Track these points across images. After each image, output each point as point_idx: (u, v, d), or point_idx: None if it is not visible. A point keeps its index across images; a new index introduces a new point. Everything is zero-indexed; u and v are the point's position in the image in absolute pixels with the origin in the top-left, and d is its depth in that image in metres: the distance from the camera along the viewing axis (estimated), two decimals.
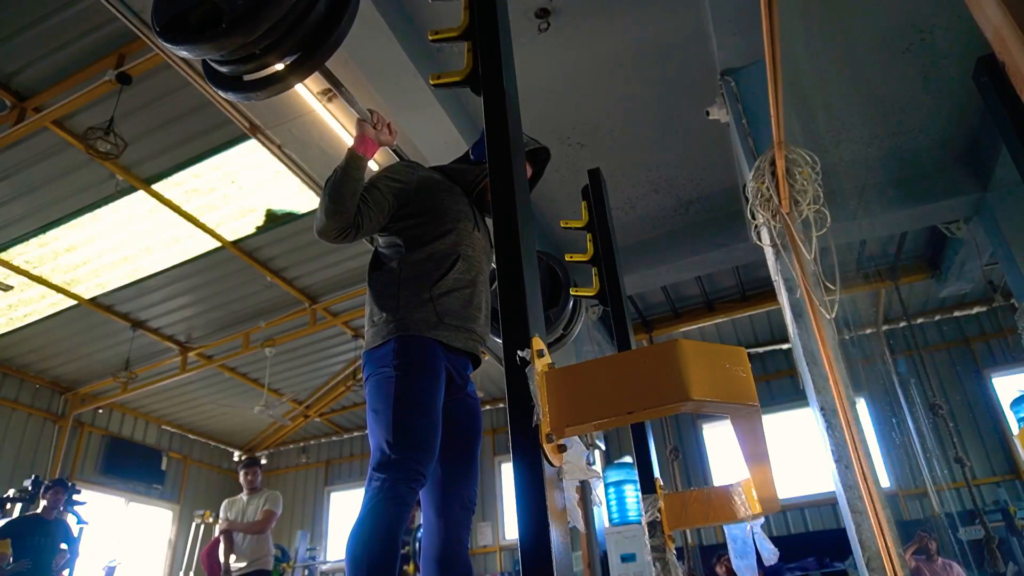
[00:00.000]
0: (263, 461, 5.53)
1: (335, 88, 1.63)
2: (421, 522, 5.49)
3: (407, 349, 1.69)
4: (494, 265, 1.85)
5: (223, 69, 1.41)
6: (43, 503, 5.26)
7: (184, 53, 1.30)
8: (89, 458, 9.02)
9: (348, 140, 4.47)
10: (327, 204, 1.69)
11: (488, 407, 9.97)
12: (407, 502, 1.57)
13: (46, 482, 5.54)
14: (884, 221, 5.25)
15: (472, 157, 2.07)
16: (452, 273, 1.79)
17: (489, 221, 2.05)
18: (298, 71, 1.40)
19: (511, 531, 9.36)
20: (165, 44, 1.29)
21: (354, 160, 1.73)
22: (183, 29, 1.29)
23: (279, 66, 1.40)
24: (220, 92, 1.47)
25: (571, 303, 2.54)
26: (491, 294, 2.02)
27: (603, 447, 7.16)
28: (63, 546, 5.21)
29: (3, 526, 5.14)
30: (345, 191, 1.69)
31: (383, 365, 1.70)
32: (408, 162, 1.99)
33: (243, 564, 5.00)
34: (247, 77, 1.42)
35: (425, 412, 1.66)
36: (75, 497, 5.73)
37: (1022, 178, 2.82)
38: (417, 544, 5.31)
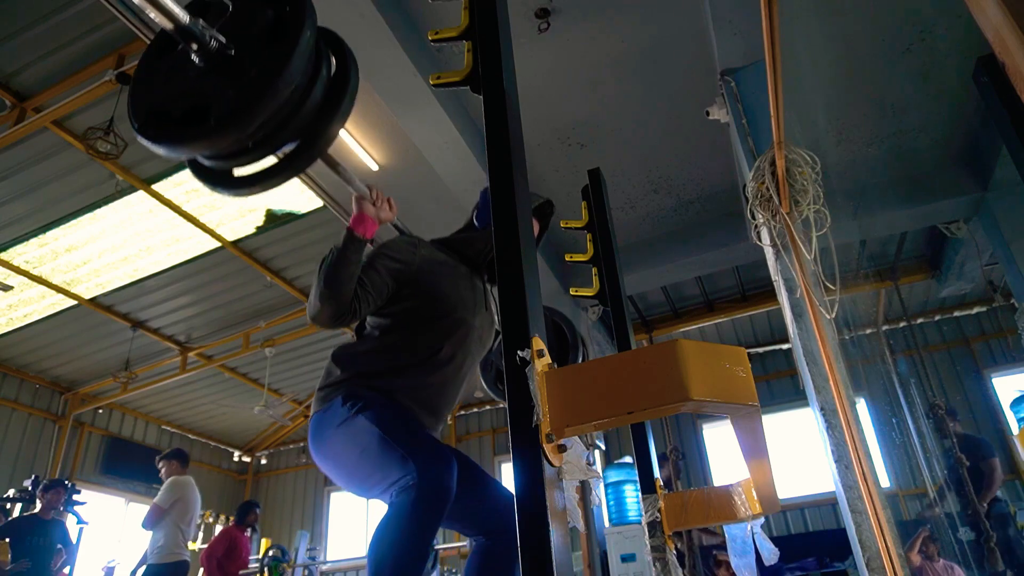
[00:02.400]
0: (185, 453, 5.39)
1: (332, 168, 1.50)
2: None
3: (361, 395, 1.58)
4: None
5: (209, 163, 1.27)
6: (40, 503, 5.27)
7: (165, 152, 1.13)
8: (89, 458, 9.02)
9: (349, 140, 4.48)
10: (322, 289, 1.56)
11: (488, 407, 9.97)
12: (445, 489, 1.43)
13: (44, 482, 5.54)
14: (884, 221, 5.26)
15: (477, 223, 1.94)
16: (431, 364, 1.68)
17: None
18: (295, 164, 1.25)
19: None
20: (145, 142, 1.13)
21: (352, 242, 1.60)
22: (165, 125, 1.13)
23: (273, 159, 1.25)
24: (208, 187, 1.31)
25: (580, 359, 2.47)
26: (498, 354, 1.93)
27: (603, 447, 7.16)
28: (60, 547, 5.21)
29: (1, 527, 5.14)
30: (342, 275, 1.57)
31: (338, 416, 1.56)
32: (409, 238, 1.82)
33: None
34: (237, 172, 1.28)
35: (414, 424, 1.58)
36: (75, 497, 5.73)
37: (1022, 178, 2.82)
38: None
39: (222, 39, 1.12)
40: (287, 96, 1.13)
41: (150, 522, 4.84)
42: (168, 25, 1.06)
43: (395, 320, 1.71)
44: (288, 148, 1.25)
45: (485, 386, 2.48)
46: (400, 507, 1.41)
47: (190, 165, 1.32)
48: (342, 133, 4.35)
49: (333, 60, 1.31)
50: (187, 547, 4.93)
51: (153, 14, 1.03)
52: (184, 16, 1.06)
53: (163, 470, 5.16)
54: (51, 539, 5.15)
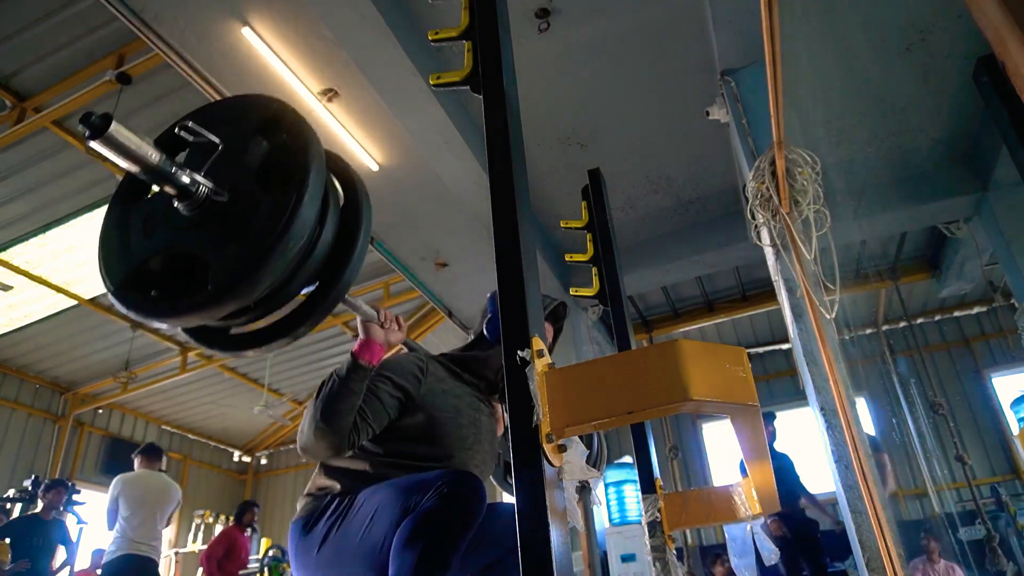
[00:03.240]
0: (154, 447, 5.36)
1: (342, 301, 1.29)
2: None
3: (351, 498, 1.47)
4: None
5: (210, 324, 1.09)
6: (41, 503, 5.27)
7: (155, 323, 0.97)
8: (89, 458, 9.03)
9: (349, 141, 4.48)
10: (318, 421, 1.37)
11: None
12: (478, 506, 1.34)
13: (46, 481, 5.55)
14: (884, 221, 5.26)
15: (488, 336, 1.79)
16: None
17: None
18: (307, 319, 1.11)
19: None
20: (124, 311, 0.95)
21: (357, 371, 1.43)
22: (149, 290, 0.95)
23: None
24: (204, 348, 1.16)
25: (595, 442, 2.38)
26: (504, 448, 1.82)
27: None
28: (61, 546, 5.22)
29: (2, 527, 5.15)
30: (342, 407, 1.39)
31: (338, 509, 1.45)
32: (416, 359, 1.65)
33: None
34: (235, 331, 1.12)
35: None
36: (75, 497, 5.73)
37: (1022, 178, 2.83)
38: None
39: (211, 184, 0.94)
40: (299, 248, 0.96)
41: (107, 522, 4.78)
42: (142, 174, 0.89)
43: (397, 447, 1.58)
44: (304, 294, 1.10)
45: (494, 481, 2.43)
46: (426, 513, 1.30)
47: (187, 330, 1.14)
48: (342, 133, 4.35)
49: (340, 188, 1.14)
50: (146, 542, 4.80)
51: (126, 163, 0.87)
52: (166, 161, 0.89)
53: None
54: (51, 539, 5.16)
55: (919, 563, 5.31)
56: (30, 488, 5.97)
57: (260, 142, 0.98)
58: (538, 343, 1.02)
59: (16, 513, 5.97)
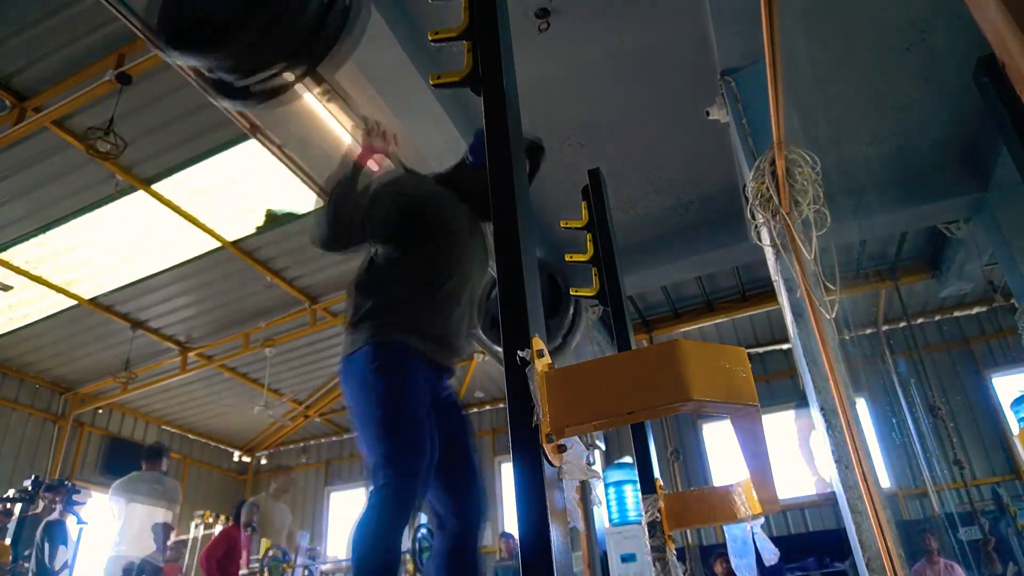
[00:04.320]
0: (263, 461, 5.47)
1: (338, 94, 1.74)
2: (423, 522, 5.51)
3: (384, 352, 1.71)
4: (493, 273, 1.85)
5: (230, 79, 1.45)
6: (41, 503, 5.28)
7: (190, 60, 1.36)
8: (89, 458, 9.02)
9: (348, 141, 4.47)
10: (330, 216, 1.68)
11: (488, 407, 9.97)
12: (409, 498, 1.58)
13: (46, 482, 5.56)
14: (884, 221, 5.26)
15: (470, 159, 2.07)
16: (441, 290, 1.81)
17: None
18: (308, 59, 1.43)
19: (511, 531, 9.35)
20: (170, 56, 1.37)
21: (356, 172, 1.74)
22: (187, 40, 1.34)
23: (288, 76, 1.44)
24: (229, 103, 1.51)
25: (571, 312, 2.55)
26: (493, 301, 2.04)
27: (603, 447, 7.16)
28: (62, 547, 5.23)
29: (3, 528, 5.16)
30: (349, 203, 1.69)
31: (362, 369, 1.71)
32: (412, 174, 2.05)
33: None
34: (255, 88, 1.45)
35: (411, 410, 1.68)
36: (75, 497, 5.74)
37: (1022, 178, 2.82)
38: (417, 544, 5.31)
39: None
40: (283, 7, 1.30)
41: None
42: None
43: (404, 249, 1.84)
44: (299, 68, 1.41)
45: (481, 334, 2.53)
46: (370, 509, 1.58)
47: (214, 85, 1.48)
48: (342, 133, 4.35)
49: None
50: (134, 546, 4.87)
51: None
52: None
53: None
54: (53, 540, 5.18)
55: (921, 567, 5.31)
56: (30, 488, 5.97)
57: None
58: (538, 343, 1.02)
59: (17, 513, 5.97)
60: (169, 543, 6.10)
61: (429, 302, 1.78)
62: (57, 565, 5.23)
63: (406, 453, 1.62)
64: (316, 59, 1.42)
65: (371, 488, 1.63)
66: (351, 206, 1.69)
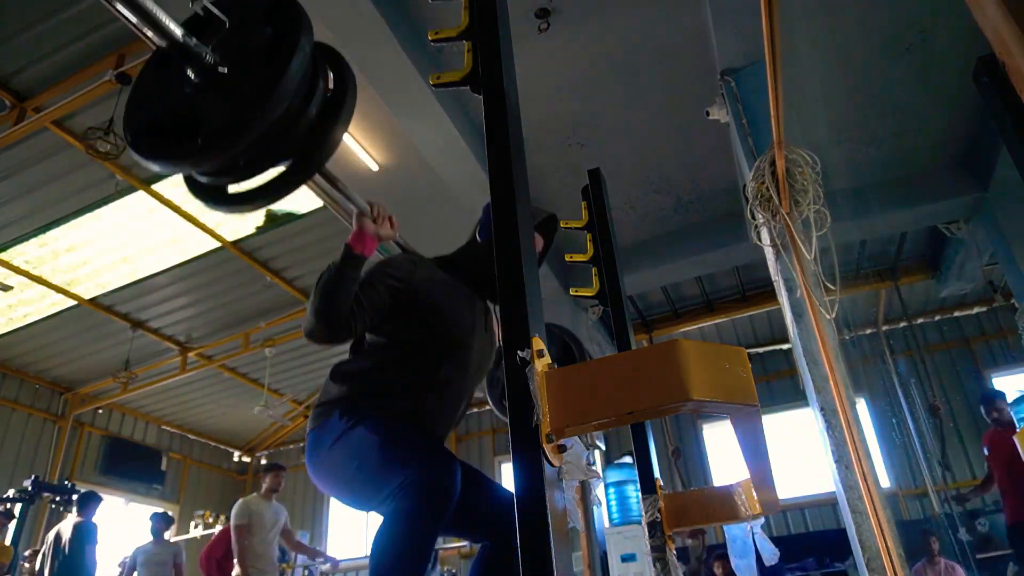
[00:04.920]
0: (263, 461, 5.50)
1: (331, 184, 1.45)
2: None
3: (358, 410, 1.58)
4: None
5: (203, 180, 1.27)
6: (74, 509, 5.48)
7: (157, 167, 1.14)
8: (89, 458, 9.02)
9: (349, 140, 4.48)
10: (318, 305, 1.52)
11: (488, 407, 9.97)
12: (446, 487, 1.42)
13: (81, 490, 5.75)
14: (884, 221, 5.26)
15: (480, 239, 1.87)
16: (427, 393, 1.66)
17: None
18: (290, 181, 1.23)
19: None
20: (137, 157, 1.15)
21: (350, 260, 1.56)
22: (157, 140, 1.14)
23: (268, 175, 1.24)
24: (204, 204, 1.31)
25: None
26: (502, 371, 1.94)
27: (603, 447, 7.16)
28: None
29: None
30: (339, 293, 1.53)
31: (339, 430, 1.55)
32: (410, 256, 1.80)
33: None
34: (233, 188, 1.27)
35: (413, 434, 1.57)
36: (74, 497, 5.76)
37: (1022, 178, 2.82)
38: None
39: (216, 56, 1.12)
40: (279, 115, 1.12)
41: None
42: (162, 42, 1.07)
43: (393, 339, 1.68)
44: (284, 166, 1.23)
45: (491, 403, 2.45)
46: (402, 507, 1.40)
47: (186, 181, 1.31)
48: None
49: (331, 76, 1.28)
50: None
51: (148, 31, 1.04)
52: (178, 32, 1.06)
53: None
54: (89, 541, 5.45)
55: (921, 568, 5.31)
56: (30, 488, 5.97)
57: (265, 27, 1.16)
58: (538, 343, 1.02)
59: (17, 513, 5.97)
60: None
61: (415, 396, 1.64)
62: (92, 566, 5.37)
63: (427, 450, 1.50)
64: (300, 156, 1.23)
65: (393, 499, 1.43)
66: (341, 296, 1.53)
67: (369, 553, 1.40)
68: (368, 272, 1.65)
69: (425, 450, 1.52)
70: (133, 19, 1.02)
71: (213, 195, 1.28)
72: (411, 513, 1.39)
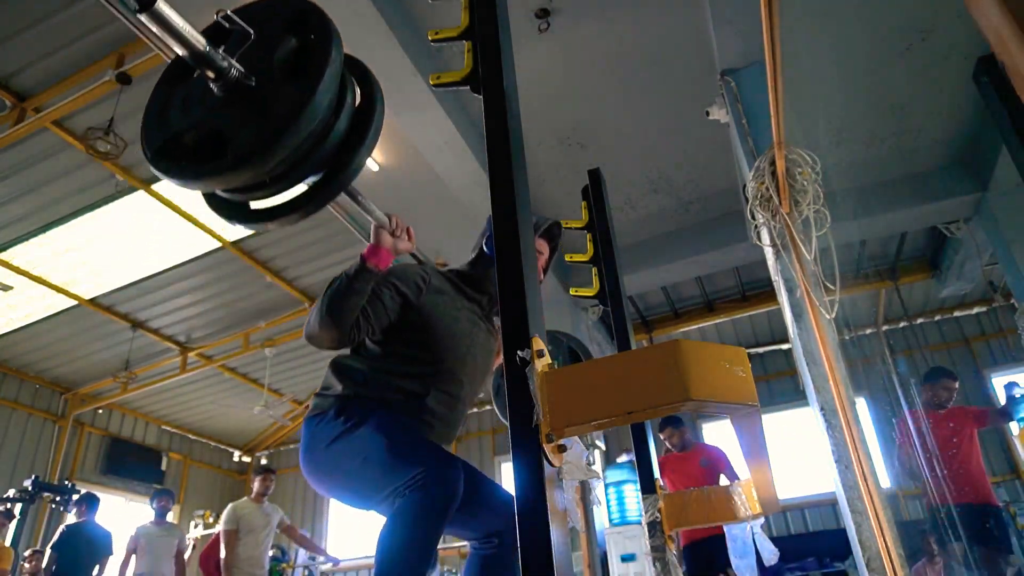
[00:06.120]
0: (263, 461, 5.48)
1: (352, 198, 1.43)
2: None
3: (357, 411, 1.56)
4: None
5: (225, 195, 1.24)
6: (74, 510, 5.48)
7: (179, 185, 1.09)
8: (89, 458, 9.02)
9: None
10: (324, 313, 1.52)
11: (488, 407, 9.96)
12: (450, 487, 1.42)
13: (81, 490, 5.73)
14: (884, 221, 5.26)
15: (489, 253, 1.85)
16: (425, 403, 1.65)
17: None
18: (317, 198, 1.21)
19: None
20: (158, 174, 1.09)
21: (364, 273, 1.55)
22: (180, 157, 1.09)
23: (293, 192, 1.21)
24: (224, 219, 1.27)
25: None
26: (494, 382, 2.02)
27: (603, 447, 7.16)
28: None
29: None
30: (346, 304, 1.52)
31: (337, 430, 1.54)
32: (421, 269, 1.79)
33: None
34: (255, 204, 1.24)
35: (417, 434, 1.58)
36: (74, 497, 5.76)
37: (1022, 178, 2.82)
38: None
39: (242, 69, 1.07)
40: (309, 132, 1.08)
41: None
42: (184, 52, 1.01)
43: (395, 347, 1.68)
44: (310, 182, 1.21)
45: (496, 410, 2.45)
46: (407, 506, 1.40)
47: (206, 197, 1.27)
48: None
49: (358, 89, 1.26)
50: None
51: (170, 41, 0.98)
52: (202, 43, 1.00)
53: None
54: (95, 549, 5.41)
55: (921, 568, 5.31)
56: (30, 488, 5.97)
57: (289, 38, 1.12)
58: (538, 343, 1.02)
59: (17, 513, 5.98)
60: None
61: (413, 405, 1.63)
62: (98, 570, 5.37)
63: (432, 451, 1.50)
64: (327, 173, 1.20)
65: (398, 497, 1.43)
66: (349, 307, 1.53)
67: (375, 551, 1.39)
68: (377, 283, 1.63)
69: (430, 449, 1.52)
70: (155, 29, 0.95)
71: (235, 211, 1.25)
72: (417, 512, 1.39)
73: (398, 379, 1.64)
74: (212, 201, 1.27)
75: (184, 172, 1.07)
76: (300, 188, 1.23)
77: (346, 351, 1.74)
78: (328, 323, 1.52)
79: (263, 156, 1.05)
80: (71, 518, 5.58)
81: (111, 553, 5.47)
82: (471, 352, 1.77)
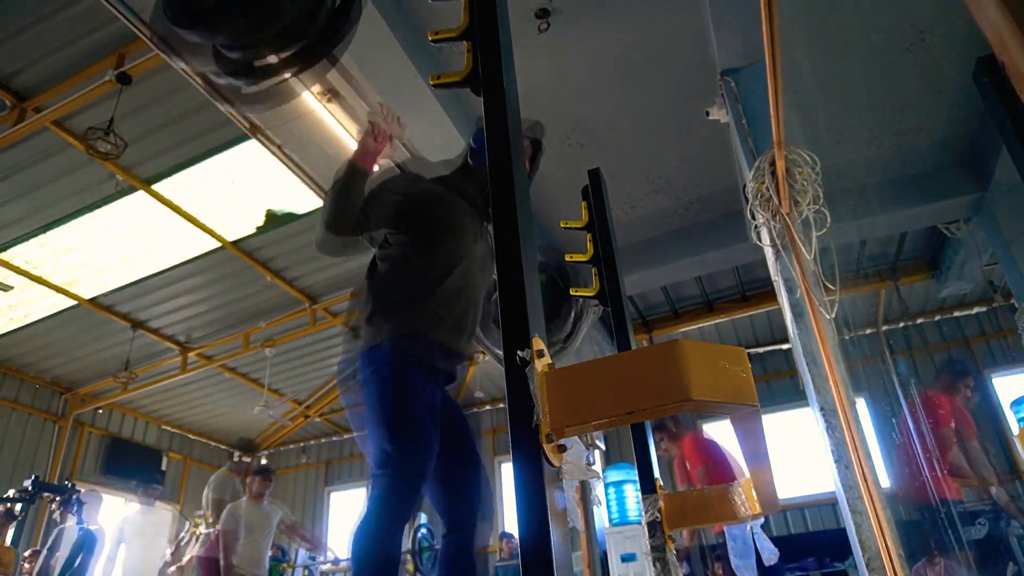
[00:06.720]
0: (263, 461, 5.44)
1: (346, 80, 1.78)
2: (423, 522, 5.50)
3: (384, 356, 1.73)
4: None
5: (233, 55, 1.45)
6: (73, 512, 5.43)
7: (199, 38, 1.35)
8: (89, 458, 9.02)
9: (348, 141, 4.48)
10: (327, 217, 1.72)
11: (488, 407, 9.97)
12: (410, 498, 1.59)
13: (81, 490, 5.69)
14: (884, 221, 5.25)
15: (472, 163, 2.04)
16: (442, 291, 1.81)
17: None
18: (315, 52, 1.47)
19: (511, 531, 9.35)
20: (181, 32, 1.34)
21: (355, 174, 1.75)
22: (196, 13, 1.33)
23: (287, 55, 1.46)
24: (232, 80, 1.48)
25: (572, 315, 2.56)
26: (493, 303, 2.05)
27: (603, 447, 7.16)
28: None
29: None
30: (346, 204, 1.71)
31: (377, 366, 1.72)
32: (411, 174, 2.04)
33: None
34: (258, 63, 1.45)
35: (412, 410, 1.69)
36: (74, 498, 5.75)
37: (1022, 178, 2.82)
38: (418, 544, 5.31)
39: None
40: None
41: None
42: None
43: (403, 250, 1.85)
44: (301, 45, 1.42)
45: (483, 340, 2.52)
46: (370, 510, 1.59)
47: (215, 58, 1.47)
48: (342, 133, 4.35)
49: None
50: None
51: None
52: None
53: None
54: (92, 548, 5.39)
55: (921, 568, 5.31)
56: (30, 488, 5.97)
57: None
58: (538, 343, 1.02)
59: (18, 513, 5.97)
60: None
61: (430, 304, 1.78)
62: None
63: (407, 453, 1.64)
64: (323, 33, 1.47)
65: (370, 488, 1.64)
66: (348, 207, 1.71)
67: (351, 545, 1.60)
68: (374, 189, 1.86)
69: (409, 436, 1.65)
70: None
71: (240, 68, 1.45)
72: (382, 507, 1.58)
73: (411, 273, 1.81)
74: (220, 61, 1.47)
75: (203, 23, 1.31)
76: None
77: (366, 277, 1.92)
78: (333, 223, 1.72)
79: (274, 9, 1.30)
80: (69, 519, 5.56)
81: (95, 553, 5.46)
82: (471, 237, 1.93)
